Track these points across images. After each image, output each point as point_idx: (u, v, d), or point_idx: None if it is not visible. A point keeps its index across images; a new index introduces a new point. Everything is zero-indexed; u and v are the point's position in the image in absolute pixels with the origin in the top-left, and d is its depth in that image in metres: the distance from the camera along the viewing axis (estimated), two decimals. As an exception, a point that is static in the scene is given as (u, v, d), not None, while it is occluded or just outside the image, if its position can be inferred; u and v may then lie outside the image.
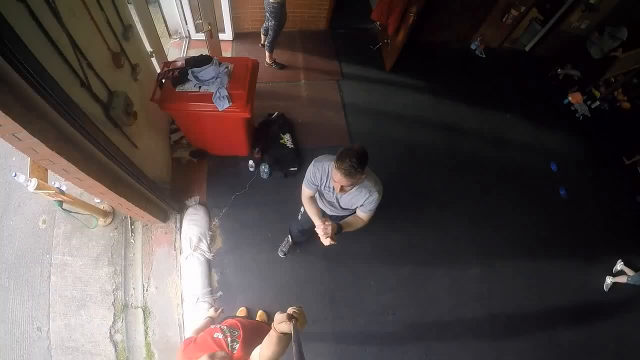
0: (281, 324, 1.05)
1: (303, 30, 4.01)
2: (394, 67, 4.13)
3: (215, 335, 1.48)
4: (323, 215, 2.02)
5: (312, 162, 1.81)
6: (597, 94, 4.82)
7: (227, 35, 3.96)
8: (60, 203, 2.56)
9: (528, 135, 4.21)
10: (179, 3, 3.47)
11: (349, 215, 1.94)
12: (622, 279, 3.39)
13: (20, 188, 3.00)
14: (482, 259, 3.38)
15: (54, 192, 2.42)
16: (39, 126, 1.47)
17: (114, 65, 2.17)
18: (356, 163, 1.45)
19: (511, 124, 4.26)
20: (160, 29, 3.84)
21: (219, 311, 2.17)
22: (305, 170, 1.87)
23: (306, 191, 1.91)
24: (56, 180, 2.83)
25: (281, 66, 3.94)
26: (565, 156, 4.21)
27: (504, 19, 4.53)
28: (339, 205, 1.96)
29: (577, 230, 3.78)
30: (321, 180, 1.80)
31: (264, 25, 3.71)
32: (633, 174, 4.37)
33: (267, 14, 3.40)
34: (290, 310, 1.06)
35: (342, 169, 1.46)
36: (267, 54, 3.81)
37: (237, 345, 1.46)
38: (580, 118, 4.66)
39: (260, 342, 1.25)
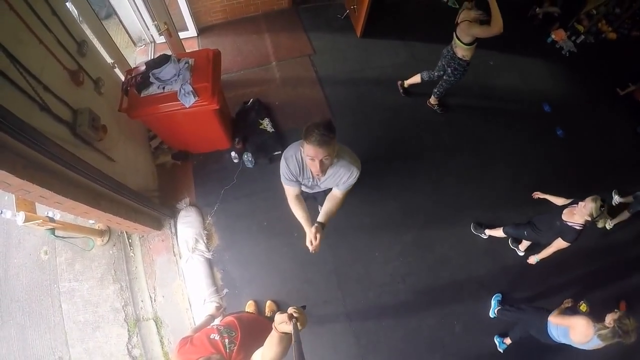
0: (282, 324, 1.04)
1: (267, 13, 3.91)
2: (365, 32, 4.01)
3: (211, 337, 1.46)
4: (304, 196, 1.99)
5: (282, 158, 1.77)
6: (581, 28, 4.68)
7: (190, 32, 3.89)
8: (53, 231, 2.56)
9: (515, 79, 4.08)
10: (137, 10, 3.40)
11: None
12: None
13: (17, 226, 3.03)
14: (486, 212, 3.30)
15: (41, 220, 2.43)
16: (4, 158, 1.46)
17: (74, 83, 2.13)
18: (323, 129, 1.44)
19: (496, 70, 4.12)
20: (124, 39, 3.80)
21: (221, 310, 2.14)
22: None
23: (289, 190, 1.85)
24: (48, 210, 2.84)
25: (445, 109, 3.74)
26: (557, 95, 4.08)
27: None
28: (320, 186, 1.93)
29: (580, 167, 3.67)
30: (297, 172, 1.77)
31: (431, 73, 3.41)
32: (629, 105, 4.21)
33: (446, 66, 3.16)
34: (290, 310, 1.05)
35: (313, 141, 1.45)
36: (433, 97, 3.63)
37: (234, 347, 1.43)
38: (567, 54, 4.51)
39: (259, 343, 1.24)
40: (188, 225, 2.96)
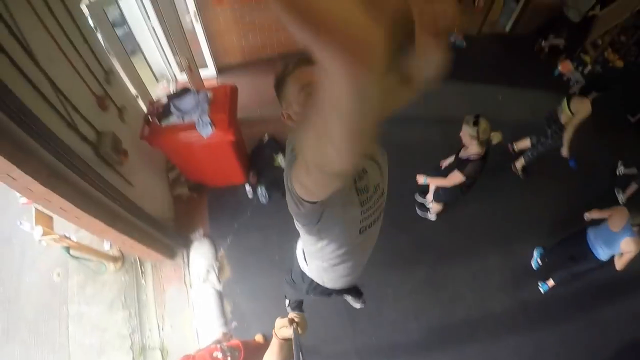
0: (282, 329, 1.04)
1: (282, 54, 4.07)
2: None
3: (214, 355, 1.47)
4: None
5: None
6: (587, 58, 4.71)
7: (210, 70, 4.06)
8: (68, 249, 2.60)
9: (524, 114, 4.10)
10: (160, 48, 3.63)
11: None
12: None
13: (33, 246, 3.09)
14: (501, 246, 3.23)
15: (58, 237, 2.47)
16: (30, 165, 1.55)
17: (100, 107, 2.27)
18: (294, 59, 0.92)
19: (505, 105, 4.16)
20: (147, 74, 4.01)
21: (227, 336, 2.11)
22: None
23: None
24: (65, 231, 2.89)
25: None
26: (569, 127, 4.06)
27: (475, 3, 4.54)
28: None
29: (593, 200, 3.56)
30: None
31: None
32: (640, 130, 4.18)
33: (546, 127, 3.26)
34: (291, 315, 1.05)
35: (297, 63, 0.91)
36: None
37: None
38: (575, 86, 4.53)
39: None
40: (201, 256, 2.97)
